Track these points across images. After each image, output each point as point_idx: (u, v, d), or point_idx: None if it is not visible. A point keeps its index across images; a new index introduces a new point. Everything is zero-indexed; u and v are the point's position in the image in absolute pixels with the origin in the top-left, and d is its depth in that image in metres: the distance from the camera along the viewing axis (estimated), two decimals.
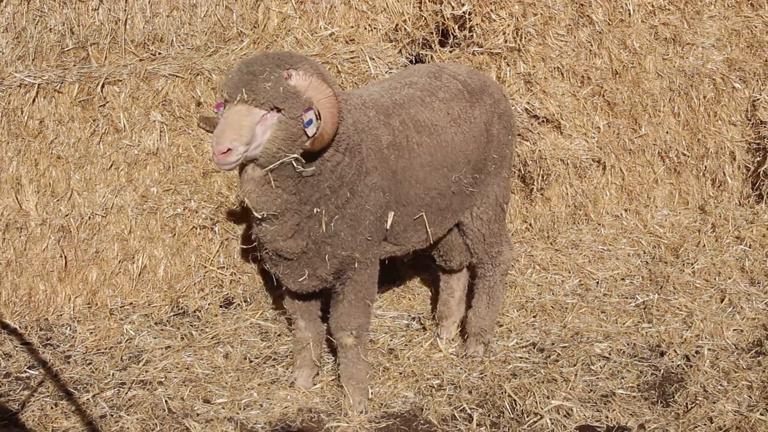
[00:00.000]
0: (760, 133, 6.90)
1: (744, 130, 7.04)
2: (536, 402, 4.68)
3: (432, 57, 6.22)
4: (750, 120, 7.01)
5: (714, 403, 4.64)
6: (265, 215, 4.15)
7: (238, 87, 3.92)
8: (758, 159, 6.96)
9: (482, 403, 4.77)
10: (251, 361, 5.29)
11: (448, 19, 6.16)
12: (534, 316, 5.72)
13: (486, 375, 5.04)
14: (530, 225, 6.78)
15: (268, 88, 3.91)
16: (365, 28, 6.16)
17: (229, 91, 3.95)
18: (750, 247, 6.42)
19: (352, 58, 5.85)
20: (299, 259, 4.36)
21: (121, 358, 5.31)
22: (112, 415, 4.68)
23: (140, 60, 5.88)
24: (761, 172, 6.84)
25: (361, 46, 5.97)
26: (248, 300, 5.98)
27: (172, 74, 5.76)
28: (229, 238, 6.03)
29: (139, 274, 5.91)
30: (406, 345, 5.46)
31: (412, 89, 4.76)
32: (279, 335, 5.59)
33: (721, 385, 4.83)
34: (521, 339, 5.45)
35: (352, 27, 6.14)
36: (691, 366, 5.03)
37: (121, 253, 5.84)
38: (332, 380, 4.97)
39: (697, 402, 4.66)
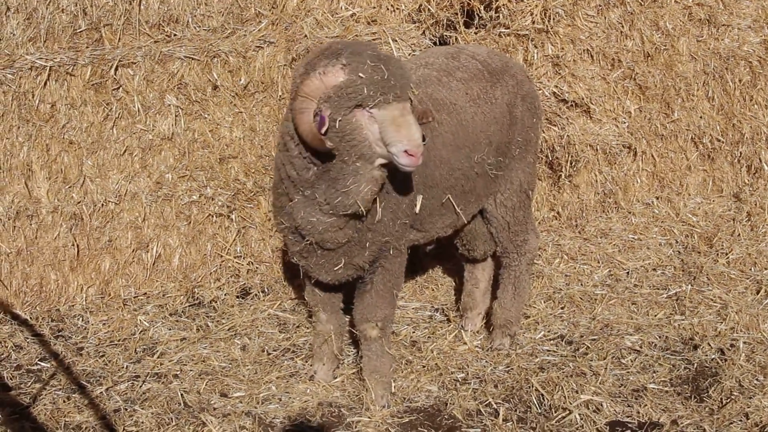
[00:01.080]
0: None
1: None
2: (565, 396, 4.68)
3: (456, 39, 6.18)
4: None
5: (750, 398, 4.62)
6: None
7: (405, 86, 3.97)
8: None
9: (508, 398, 4.77)
10: (269, 354, 5.29)
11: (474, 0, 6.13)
12: (562, 308, 5.74)
13: (512, 368, 5.04)
14: (558, 213, 6.78)
15: (411, 84, 4.08)
16: (387, 9, 6.13)
17: (396, 91, 3.92)
18: None
19: (374, 39, 5.80)
20: (339, 248, 4.37)
21: (135, 350, 5.32)
22: (126, 409, 4.68)
23: (155, 42, 5.86)
24: None
25: (384, 28, 5.93)
26: (266, 290, 6.00)
27: (188, 56, 5.77)
28: (246, 226, 6.04)
29: (153, 264, 5.93)
30: (429, 337, 5.45)
31: (428, 69, 4.76)
32: (298, 327, 5.59)
33: (757, 379, 4.82)
34: (549, 331, 5.46)
35: (374, 7, 6.11)
36: (725, 360, 5.02)
37: (135, 241, 5.86)
38: (353, 373, 4.97)
39: (732, 397, 4.64)
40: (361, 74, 3.88)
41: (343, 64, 3.92)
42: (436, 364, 5.10)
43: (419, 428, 4.55)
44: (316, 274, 4.53)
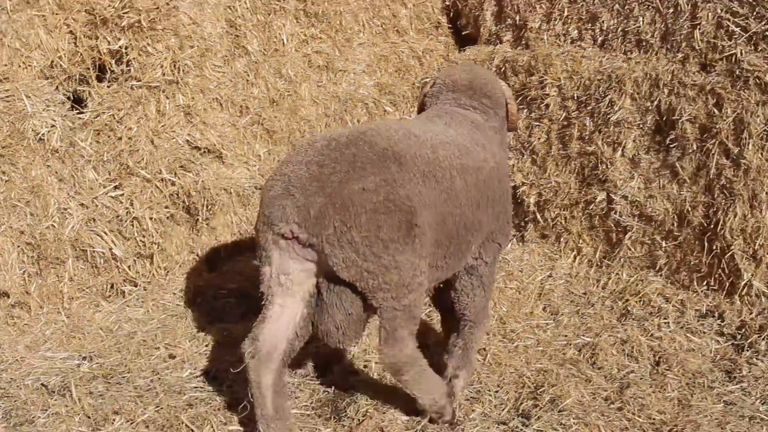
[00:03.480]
0: None
1: None
2: (213, 429, 4.94)
3: (90, 93, 6.53)
4: None
5: (384, 413, 5.06)
6: None
7: None
8: None
9: None
10: None
11: (104, 54, 6.49)
12: (206, 346, 5.98)
13: (162, 408, 5.19)
14: (197, 255, 7.07)
15: None
16: (20, 66, 6.30)
17: None
18: None
19: (7, 96, 6.06)
20: None
21: None
22: None
23: None
24: None
25: (17, 85, 6.16)
26: None
27: None
28: None
29: None
30: None
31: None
32: None
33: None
34: (195, 369, 5.68)
35: (6, 65, 6.25)
36: (360, 381, 5.46)
37: None
38: None
39: (368, 414, 5.06)
40: None
41: None
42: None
43: None
44: None
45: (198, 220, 6.96)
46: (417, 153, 4.68)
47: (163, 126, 6.73)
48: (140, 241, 6.67)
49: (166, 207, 6.79)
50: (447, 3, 8.85)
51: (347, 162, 4.40)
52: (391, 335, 4.54)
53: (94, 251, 6.46)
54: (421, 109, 5.67)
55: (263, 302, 4.61)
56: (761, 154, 5.96)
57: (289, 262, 4.48)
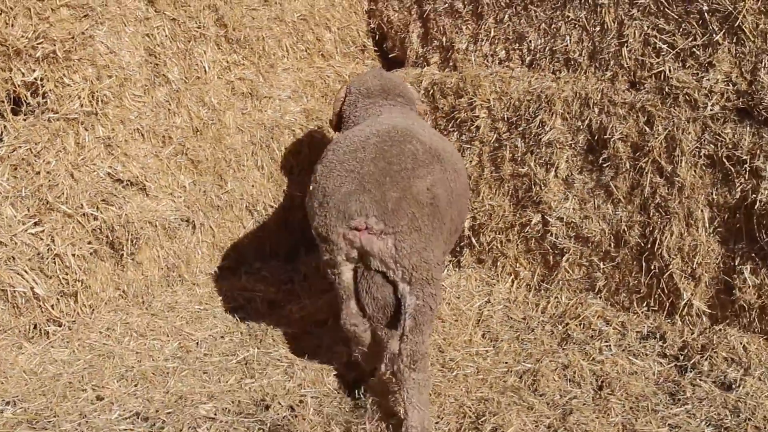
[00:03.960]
0: None
1: None
2: None
3: (5, 127, 6.38)
4: None
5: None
6: None
7: None
8: None
9: None
10: None
11: (19, 86, 6.34)
12: (135, 385, 5.89)
13: None
14: (123, 292, 6.98)
15: None
16: None
17: None
18: None
19: None
20: None
21: None
22: None
23: None
24: None
25: None
26: None
27: None
28: None
29: None
30: None
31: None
32: None
33: (325, 430, 5.35)
34: (124, 410, 5.60)
35: None
36: (296, 416, 5.48)
37: None
38: None
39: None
40: None
41: None
42: None
43: None
44: None
45: (123, 255, 6.87)
46: (446, 149, 5.55)
47: (83, 159, 6.64)
48: (63, 278, 6.55)
49: (89, 242, 6.69)
50: (372, 26, 8.86)
51: (410, 158, 5.11)
52: (418, 326, 5.02)
53: (14, 291, 6.32)
54: (340, 116, 6.39)
55: (335, 286, 5.29)
56: (694, 171, 6.01)
57: (353, 251, 5.09)
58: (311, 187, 5.33)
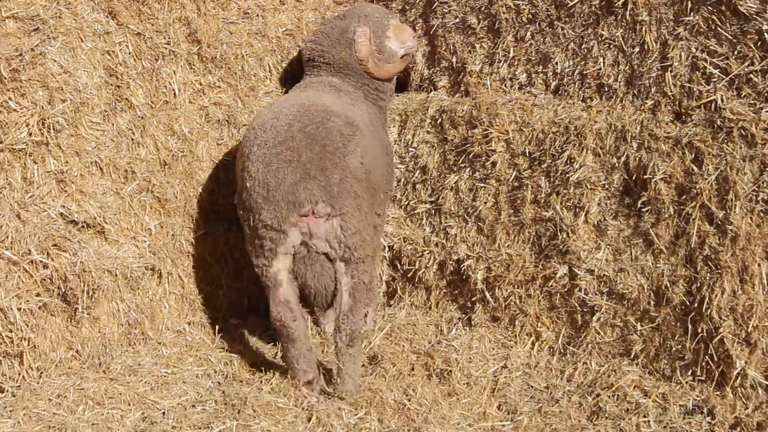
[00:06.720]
0: None
1: None
2: None
3: None
4: None
5: None
6: None
7: None
8: None
9: None
10: None
11: None
12: None
13: None
14: (77, 352, 6.76)
15: None
16: None
17: None
18: None
19: None
20: None
21: None
22: None
23: None
24: None
25: None
26: None
27: None
28: None
29: None
30: None
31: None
32: None
33: None
34: None
35: None
36: None
37: None
38: None
39: None
40: None
41: None
42: None
43: None
44: None
45: (77, 309, 6.63)
46: (353, 111, 6.40)
47: (31, 197, 6.43)
48: (6, 337, 6.32)
49: (38, 295, 6.46)
50: None
51: (337, 136, 5.88)
52: (356, 305, 5.96)
53: None
54: None
55: (264, 277, 6.19)
56: (750, 218, 5.76)
57: (299, 238, 5.92)
58: (247, 184, 5.97)
